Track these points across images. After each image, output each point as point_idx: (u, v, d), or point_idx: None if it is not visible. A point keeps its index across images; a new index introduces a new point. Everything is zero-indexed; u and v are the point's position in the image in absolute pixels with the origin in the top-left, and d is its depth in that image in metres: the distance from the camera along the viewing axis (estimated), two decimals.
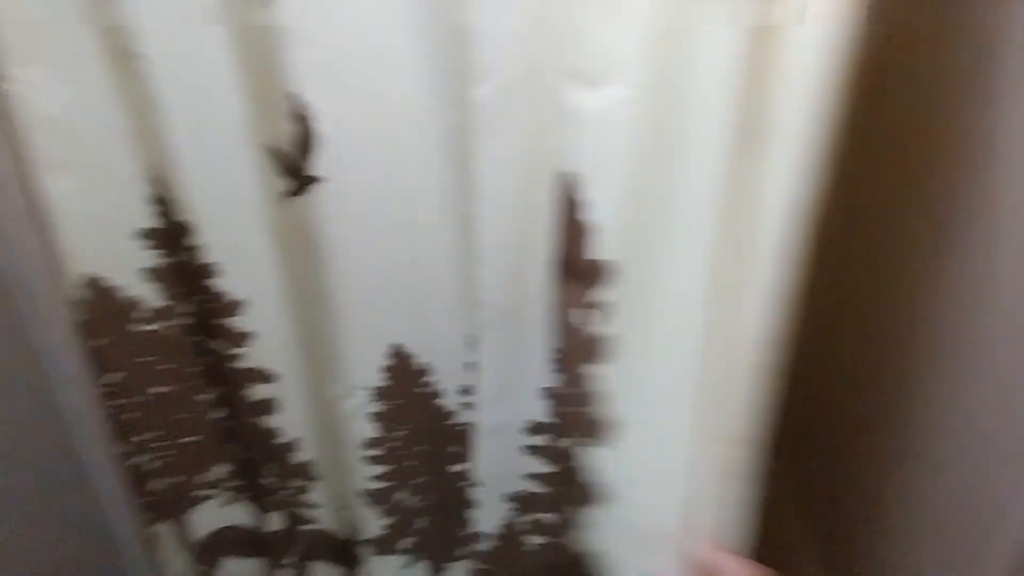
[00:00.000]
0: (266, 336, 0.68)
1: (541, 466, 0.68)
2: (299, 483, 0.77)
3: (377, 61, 0.54)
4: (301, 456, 0.75)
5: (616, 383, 0.57)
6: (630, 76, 0.45)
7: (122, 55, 0.56)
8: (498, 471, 0.68)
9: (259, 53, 0.54)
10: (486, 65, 0.48)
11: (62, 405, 0.76)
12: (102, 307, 0.64)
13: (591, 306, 0.54)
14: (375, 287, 0.61)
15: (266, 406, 0.72)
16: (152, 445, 0.71)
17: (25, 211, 0.66)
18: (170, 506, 0.75)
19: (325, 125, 0.54)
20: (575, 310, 0.55)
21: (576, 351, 0.57)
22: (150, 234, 0.65)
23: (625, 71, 0.45)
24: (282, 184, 0.59)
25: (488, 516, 0.71)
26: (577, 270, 0.54)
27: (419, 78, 0.55)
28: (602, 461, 0.61)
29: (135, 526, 0.84)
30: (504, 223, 0.54)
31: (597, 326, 0.55)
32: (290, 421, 0.73)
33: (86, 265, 0.62)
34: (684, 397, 0.53)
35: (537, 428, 0.66)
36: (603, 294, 0.53)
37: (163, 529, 0.76)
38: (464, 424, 0.72)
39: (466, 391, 0.70)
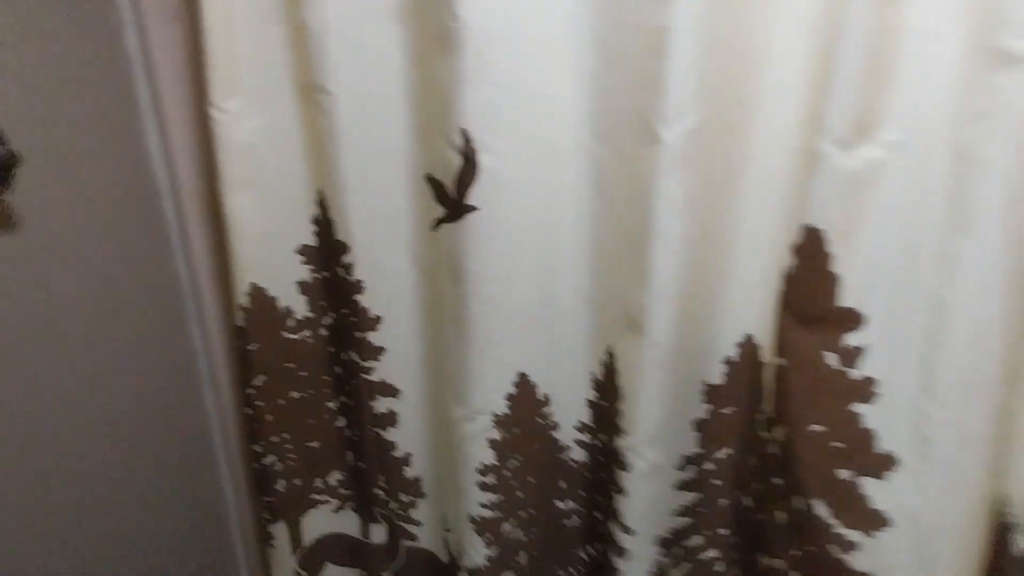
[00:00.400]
0: (395, 352, 0.72)
1: (690, 500, 0.66)
2: (407, 498, 0.78)
3: (545, 104, 0.57)
4: (412, 472, 0.77)
5: (881, 421, 0.54)
6: (890, 134, 0.46)
7: (309, 89, 0.62)
8: (652, 513, 0.65)
9: (434, 92, 0.58)
10: (675, 109, 0.49)
11: (206, 401, 0.84)
12: (260, 314, 0.70)
13: (841, 350, 0.53)
14: (511, 316, 0.63)
15: (387, 419, 0.75)
16: (283, 447, 0.76)
17: (205, 223, 0.75)
18: (288, 507, 0.79)
19: (488, 159, 0.56)
20: (826, 353, 0.54)
21: (827, 392, 0.54)
22: (306, 250, 0.71)
23: (886, 129, 0.46)
24: (437, 211, 0.62)
25: (638, 565, 0.66)
26: (823, 316, 0.52)
27: (582, 121, 0.57)
28: (878, 492, 0.56)
29: (251, 522, 0.89)
30: (680, 263, 0.54)
31: (850, 368, 0.53)
32: (406, 436, 0.75)
33: (252, 275, 0.69)
34: (965, 434, 0.51)
35: (690, 461, 0.64)
36: (854, 338, 0.52)
37: (278, 529, 0.80)
38: (577, 460, 0.71)
39: (583, 427, 0.69)
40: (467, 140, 0.56)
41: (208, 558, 0.87)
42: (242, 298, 0.68)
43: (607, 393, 0.63)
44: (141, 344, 0.71)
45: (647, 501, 0.62)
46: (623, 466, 0.61)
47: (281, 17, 0.61)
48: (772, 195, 0.55)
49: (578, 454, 0.70)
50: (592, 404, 0.67)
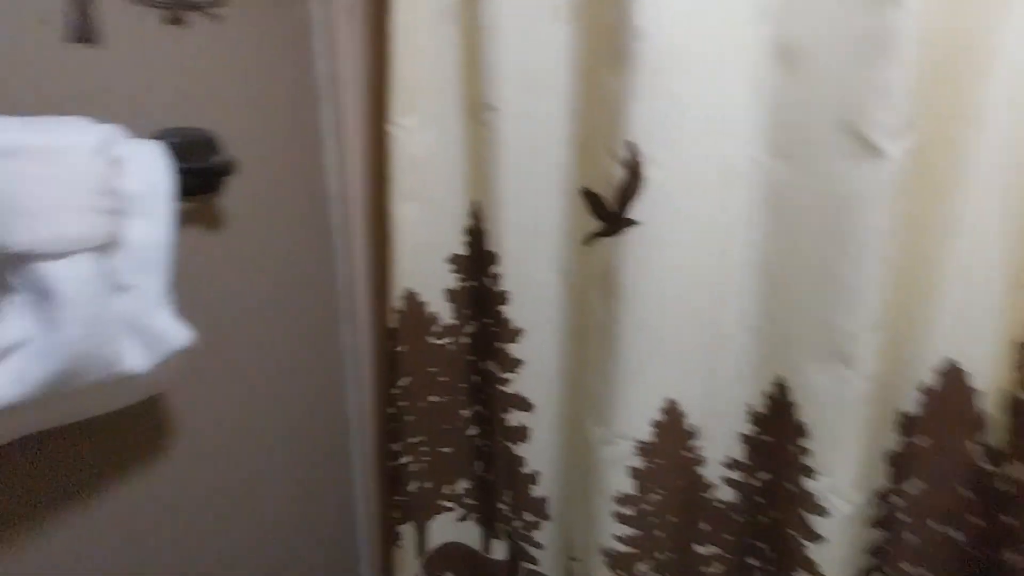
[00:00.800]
0: (534, 365, 0.71)
1: (877, 538, 0.58)
2: (531, 518, 0.77)
3: (717, 117, 0.54)
4: (539, 491, 0.75)
5: None
6: None
7: (476, 107, 0.66)
8: (849, 558, 0.58)
9: (598, 105, 0.58)
10: (900, 121, 0.44)
11: (348, 396, 0.90)
12: (411, 318, 0.73)
13: None
14: (665, 337, 0.59)
15: (518, 433, 0.74)
16: (419, 448, 0.78)
17: (365, 229, 0.82)
18: (418, 509, 0.81)
19: (654, 172, 0.55)
20: None
21: None
22: (457, 259, 0.74)
23: None
24: (592, 225, 0.61)
25: None
26: None
27: (756, 135, 0.53)
28: None
29: (378, 520, 0.93)
30: (889, 288, 0.48)
31: None
32: (537, 453, 0.74)
33: (408, 280, 0.73)
34: None
35: (879, 496, 0.57)
36: None
37: (406, 530, 0.82)
38: (724, 501, 0.65)
39: (734, 464, 0.63)
40: (633, 153, 0.55)
41: (333, 549, 0.91)
42: (397, 302, 0.73)
43: (774, 428, 0.57)
44: (297, 336, 0.78)
45: (847, 546, 0.56)
46: (819, 511, 0.55)
47: (458, 44, 0.65)
48: (991, 214, 0.48)
49: (726, 494, 0.64)
50: (748, 439, 0.61)
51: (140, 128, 0.52)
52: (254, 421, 0.72)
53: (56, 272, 0.40)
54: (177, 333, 0.50)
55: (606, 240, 0.60)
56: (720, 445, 0.63)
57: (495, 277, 0.69)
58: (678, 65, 0.53)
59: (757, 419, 0.60)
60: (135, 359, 0.47)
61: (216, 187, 0.61)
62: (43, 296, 0.40)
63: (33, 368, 0.40)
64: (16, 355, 0.40)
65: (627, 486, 0.64)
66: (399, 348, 0.74)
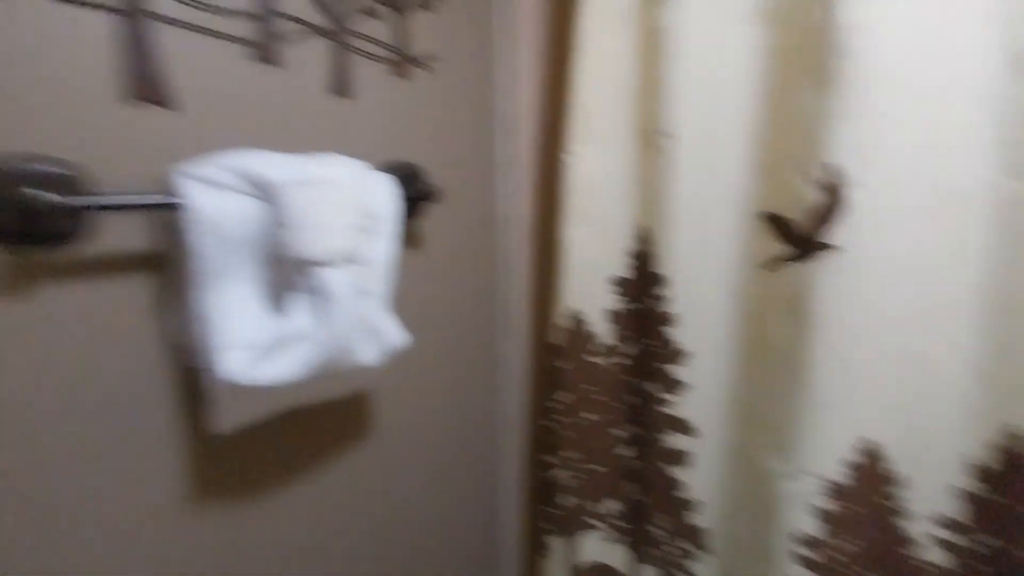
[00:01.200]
0: (701, 390, 0.70)
1: None
2: (686, 546, 0.75)
3: (935, 136, 0.50)
4: (699, 520, 0.73)
5: None
6: None
7: (650, 134, 0.68)
8: None
9: (790, 128, 0.57)
10: None
11: (500, 406, 0.95)
12: (574, 336, 0.76)
13: None
14: (863, 371, 0.55)
15: (677, 456, 0.73)
16: (574, 464, 0.80)
17: (530, 250, 0.88)
18: (568, 523, 0.83)
19: (859, 196, 0.52)
20: None
21: None
22: (620, 281, 0.76)
23: None
24: (775, 249, 0.59)
25: None
26: None
27: (987, 154, 0.48)
28: None
29: (522, 529, 0.97)
30: None
31: None
32: (698, 480, 0.72)
33: (573, 300, 0.76)
34: None
35: None
36: None
37: (554, 542, 0.84)
38: (934, 564, 0.57)
39: (950, 524, 0.56)
40: (834, 175, 0.53)
41: (476, 555, 0.96)
42: (561, 319, 0.76)
43: (1006, 487, 0.50)
44: (462, 344, 0.84)
45: None
46: None
47: (637, 73, 0.68)
48: None
49: (937, 556, 0.57)
50: (970, 497, 0.54)
51: (374, 161, 0.62)
52: (420, 417, 0.79)
53: (329, 277, 0.50)
54: (399, 335, 0.58)
55: (794, 265, 0.58)
56: (930, 499, 0.57)
57: (661, 299, 0.70)
58: (892, 81, 0.50)
59: (983, 474, 0.53)
60: (368, 354, 0.56)
61: (419, 212, 0.70)
62: (320, 297, 0.50)
63: (310, 355, 0.49)
64: (301, 343, 0.49)
65: (811, 527, 0.60)
66: (560, 364, 0.77)
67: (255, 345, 0.49)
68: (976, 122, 0.50)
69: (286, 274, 0.51)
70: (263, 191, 0.48)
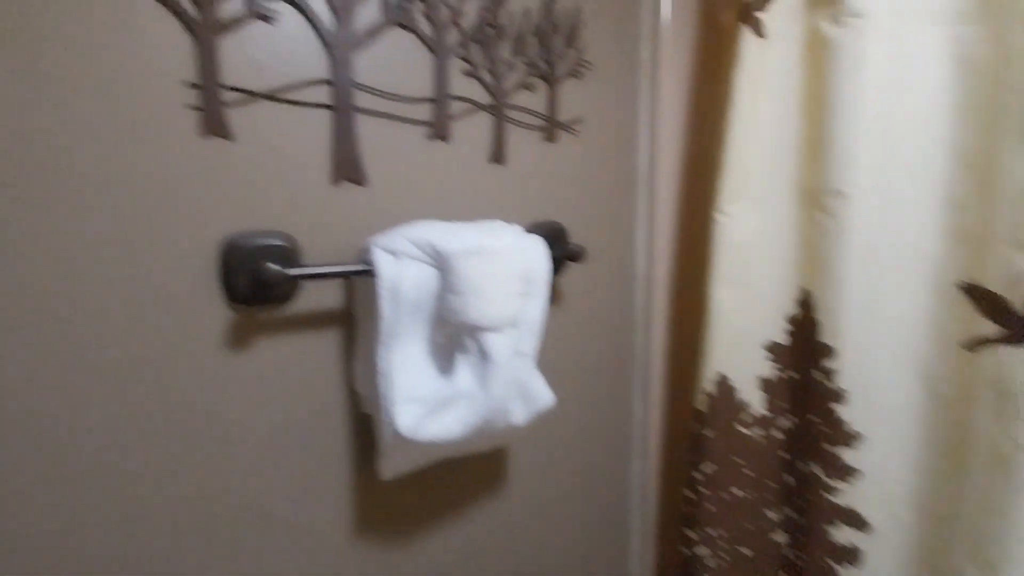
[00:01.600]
0: (875, 478, 0.62)
1: None
2: None
3: None
4: None
5: None
6: None
7: (814, 192, 0.64)
8: None
9: (999, 188, 0.50)
10: None
11: (632, 471, 0.92)
12: (721, 403, 0.72)
13: None
14: None
15: (847, 554, 0.64)
16: (718, 542, 0.75)
17: (676, 309, 0.85)
18: None
19: None
20: None
21: None
22: (775, 348, 0.71)
23: None
24: (984, 328, 0.52)
25: None
26: None
27: None
28: None
29: None
30: None
31: None
32: None
33: (721, 365, 0.72)
34: None
35: None
36: None
37: None
38: None
39: None
40: None
41: None
42: (708, 385, 0.72)
43: None
44: (594, 402, 0.83)
45: None
46: None
47: (799, 130, 0.65)
48: None
49: None
50: None
51: (524, 221, 0.66)
52: (553, 474, 0.79)
53: (493, 341, 0.52)
54: (547, 395, 0.59)
55: (1005, 348, 0.50)
56: None
57: (828, 372, 0.64)
58: None
59: None
60: (519, 414, 0.57)
61: (562, 269, 0.71)
62: (483, 359, 0.52)
63: (470, 415, 0.52)
64: (463, 402, 0.52)
65: None
66: (705, 432, 0.73)
67: (425, 401, 0.53)
68: None
69: (454, 337, 0.55)
70: (439, 260, 0.53)
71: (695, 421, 0.74)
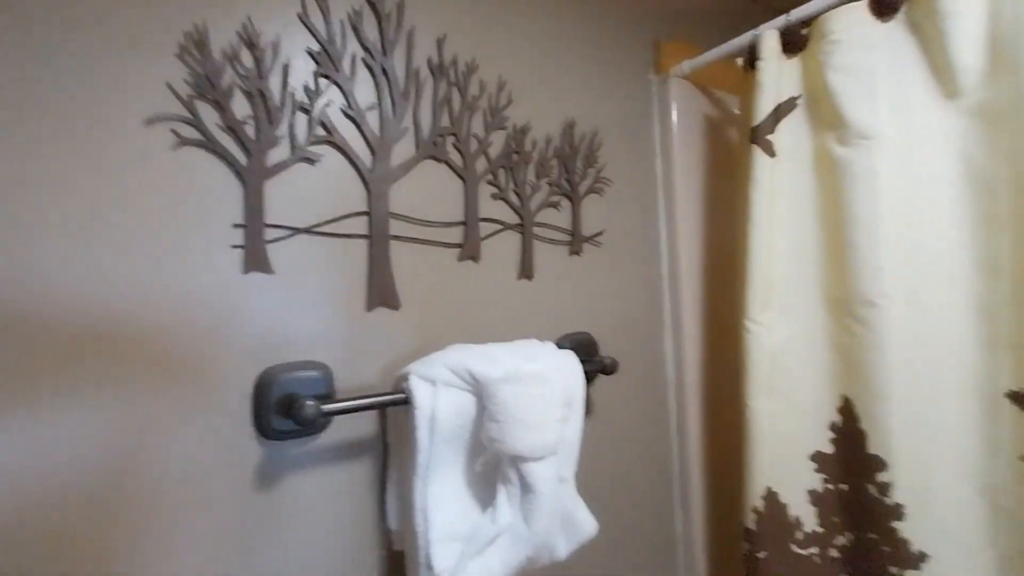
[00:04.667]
0: None
1: None
2: None
3: None
4: None
5: None
6: None
7: (843, 301, 0.66)
8: None
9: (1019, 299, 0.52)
10: None
11: None
12: (771, 520, 0.69)
13: None
14: None
15: None
16: None
17: (700, 415, 0.85)
18: None
19: None
20: None
21: None
22: (820, 457, 0.69)
23: None
24: None
25: None
26: None
27: None
28: None
29: None
30: None
31: None
32: None
33: (767, 479, 0.70)
34: None
35: None
36: None
37: None
38: None
39: None
40: None
41: None
42: (756, 501, 0.70)
43: None
44: (635, 518, 0.80)
45: None
46: None
47: (819, 241, 0.68)
48: None
49: None
50: None
51: (555, 335, 0.66)
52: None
53: (536, 472, 0.51)
54: (590, 524, 0.56)
55: None
56: None
57: (882, 486, 0.62)
58: None
59: None
60: (562, 548, 0.55)
61: (594, 381, 0.71)
62: (525, 491, 0.51)
63: (514, 553, 0.50)
64: (505, 539, 0.50)
65: None
66: (759, 554, 0.69)
67: (465, 539, 0.51)
68: None
69: (494, 466, 0.54)
70: (477, 387, 0.53)
71: (746, 540, 0.71)
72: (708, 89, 0.90)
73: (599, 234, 0.78)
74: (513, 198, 0.70)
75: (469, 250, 0.65)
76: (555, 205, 0.74)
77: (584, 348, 0.70)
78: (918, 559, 0.61)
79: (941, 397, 0.59)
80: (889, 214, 0.62)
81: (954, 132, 0.59)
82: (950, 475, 0.59)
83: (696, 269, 0.86)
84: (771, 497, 0.70)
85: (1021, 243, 0.54)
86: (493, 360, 0.54)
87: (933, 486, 0.60)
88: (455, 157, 0.65)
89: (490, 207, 0.68)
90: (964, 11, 0.58)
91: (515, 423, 0.52)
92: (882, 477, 0.63)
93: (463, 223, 0.66)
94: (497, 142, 0.69)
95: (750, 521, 0.71)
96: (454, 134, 0.65)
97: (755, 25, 0.74)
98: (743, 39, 0.75)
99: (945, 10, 0.59)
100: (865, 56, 0.64)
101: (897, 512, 0.62)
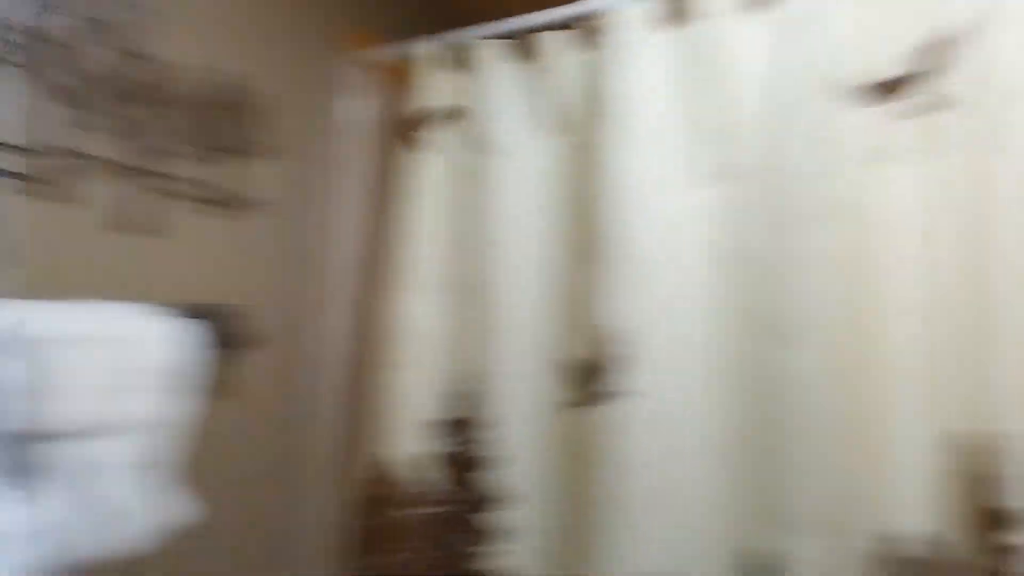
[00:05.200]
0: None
1: None
2: None
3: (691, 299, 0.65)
4: None
5: None
6: None
7: (467, 286, 0.77)
8: None
9: (574, 290, 0.70)
10: None
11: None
12: (383, 487, 0.76)
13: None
14: (643, 506, 0.64)
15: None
16: None
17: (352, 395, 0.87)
18: None
19: (637, 350, 0.64)
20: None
21: None
22: (439, 426, 0.79)
23: None
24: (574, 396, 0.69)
25: None
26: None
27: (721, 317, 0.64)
28: None
29: None
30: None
31: None
32: None
33: (382, 447, 0.77)
34: None
35: None
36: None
37: None
38: None
39: None
40: (613, 332, 0.65)
41: None
42: (378, 469, 0.76)
43: None
44: (253, 501, 0.77)
45: None
46: None
47: (454, 229, 0.78)
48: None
49: None
50: None
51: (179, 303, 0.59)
52: None
53: (84, 452, 0.43)
54: (187, 508, 0.51)
55: (588, 409, 0.67)
56: None
57: (479, 443, 0.74)
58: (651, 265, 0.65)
59: None
60: (142, 536, 0.48)
61: (235, 359, 0.66)
62: (72, 476, 0.42)
63: (61, 549, 0.41)
64: (50, 534, 0.41)
65: None
66: (378, 519, 0.75)
67: None
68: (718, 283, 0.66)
69: (31, 449, 0.43)
70: (16, 351, 0.42)
71: (367, 508, 0.76)
72: (389, 82, 0.91)
73: (262, 202, 0.73)
74: (131, 135, 0.58)
75: (45, 186, 0.52)
76: (199, 159, 0.65)
77: (217, 321, 0.63)
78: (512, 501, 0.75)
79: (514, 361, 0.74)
80: (504, 212, 0.76)
81: (548, 153, 0.76)
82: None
83: (352, 253, 0.87)
84: (385, 464, 0.77)
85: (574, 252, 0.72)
86: (39, 318, 0.44)
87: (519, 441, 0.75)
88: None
89: (91, 141, 0.55)
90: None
91: (49, 394, 0.42)
92: (487, 435, 0.76)
93: (31, 150, 0.51)
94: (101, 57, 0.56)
95: (372, 487, 0.77)
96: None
97: (442, 31, 0.81)
98: (430, 45, 0.82)
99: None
100: (504, 90, 0.78)
101: (493, 463, 0.75)
